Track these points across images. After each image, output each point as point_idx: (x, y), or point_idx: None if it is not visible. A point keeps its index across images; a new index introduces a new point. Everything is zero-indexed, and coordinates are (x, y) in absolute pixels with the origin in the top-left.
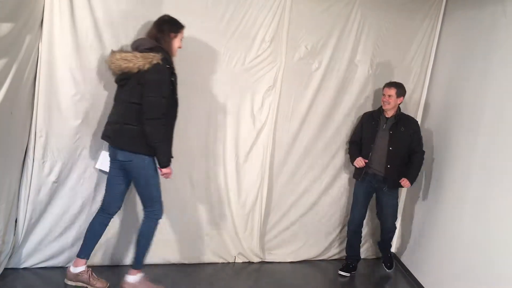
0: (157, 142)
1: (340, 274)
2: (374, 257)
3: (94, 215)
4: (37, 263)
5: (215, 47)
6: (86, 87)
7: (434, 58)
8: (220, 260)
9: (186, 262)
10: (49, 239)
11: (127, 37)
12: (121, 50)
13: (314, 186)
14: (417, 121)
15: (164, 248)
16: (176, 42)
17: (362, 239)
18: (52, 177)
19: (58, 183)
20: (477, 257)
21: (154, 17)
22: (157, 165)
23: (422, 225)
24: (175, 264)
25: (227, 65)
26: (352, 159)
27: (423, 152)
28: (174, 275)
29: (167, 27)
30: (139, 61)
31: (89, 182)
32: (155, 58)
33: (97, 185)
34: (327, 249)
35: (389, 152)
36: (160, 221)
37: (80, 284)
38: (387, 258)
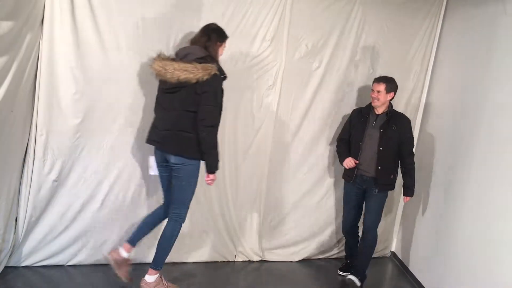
0: (211, 148)
1: (340, 274)
2: (373, 256)
3: (93, 213)
4: (38, 262)
5: None
6: (86, 86)
7: (435, 56)
8: (220, 259)
9: (186, 260)
10: (50, 237)
11: (127, 36)
12: (168, 58)
13: (316, 185)
14: (409, 119)
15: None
16: (220, 50)
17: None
18: (53, 176)
19: (59, 182)
20: (477, 257)
21: (154, 16)
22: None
23: (422, 224)
24: (175, 262)
25: (228, 64)
26: (341, 158)
27: (413, 155)
28: (174, 273)
29: (215, 36)
30: (199, 73)
31: (90, 181)
32: (213, 69)
33: (97, 184)
34: (328, 248)
35: (380, 152)
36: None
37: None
38: (358, 271)
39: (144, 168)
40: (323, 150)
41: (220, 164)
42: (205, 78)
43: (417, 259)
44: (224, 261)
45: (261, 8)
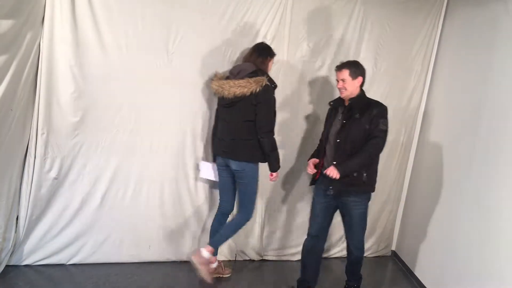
0: (271, 151)
1: None
2: (374, 255)
3: (93, 210)
4: (39, 260)
5: (217, 45)
6: (85, 85)
7: (436, 56)
8: (221, 258)
9: (187, 259)
10: (50, 235)
11: (127, 35)
12: (227, 77)
13: None
14: (382, 105)
15: (165, 246)
16: (270, 65)
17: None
18: (53, 174)
19: (59, 180)
20: (478, 256)
21: (154, 15)
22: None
23: (423, 224)
24: (175, 261)
25: (229, 63)
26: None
27: (383, 138)
28: (174, 272)
29: (266, 53)
30: (252, 86)
31: (89, 178)
32: (264, 81)
33: (96, 181)
34: (329, 247)
35: (336, 145)
36: (162, 218)
37: (215, 275)
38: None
39: (145, 167)
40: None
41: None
42: (258, 90)
43: (418, 258)
44: (225, 260)
45: (262, 7)
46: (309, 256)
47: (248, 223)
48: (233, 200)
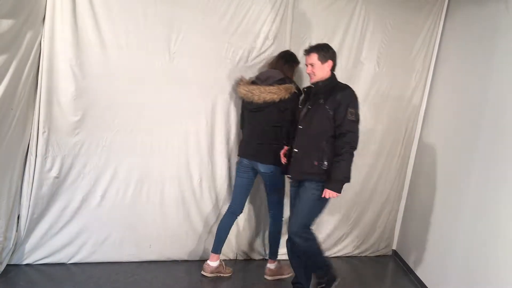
0: None
1: None
2: (374, 255)
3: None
4: (40, 259)
5: (218, 44)
6: (86, 84)
7: (437, 55)
8: (222, 257)
9: (187, 258)
10: (51, 234)
11: (128, 34)
12: (253, 81)
13: None
14: (347, 88)
15: (167, 245)
16: (295, 72)
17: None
18: (54, 173)
19: (60, 179)
20: (479, 255)
21: (155, 14)
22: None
23: (424, 223)
24: (176, 260)
25: (231, 62)
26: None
27: (348, 135)
28: (175, 271)
29: (292, 60)
30: (282, 93)
31: (89, 177)
32: (292, 88)
33: (96, 180)
34: (330, 246)
35: (299, 131)
36: (163, 217)
37: (215, 274)
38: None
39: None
40: None
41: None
42: (286, 96)
43: (419, 258)
44: (225, 260)
45: (263, 6)
46: (293, 254)
47: (250, 223)
48: (244, 202)
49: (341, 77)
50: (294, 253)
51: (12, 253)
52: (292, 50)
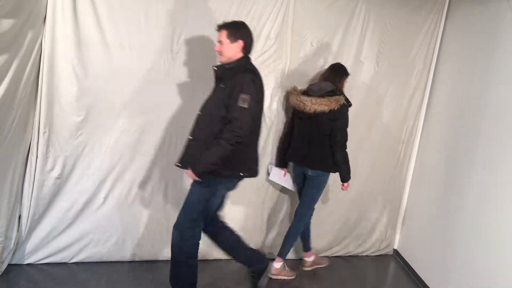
0: (343, 163)
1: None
2: (375, 254)
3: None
4: (41, 259)
5: None
6: (88, 84)
7: (438, 54)
8: (224, 257)
9: None
10: (53, 235)
11: (130, 34)
12: (304, 92)
13: None
14: (249, 75)
15: (169, 244)
16: (344, 84)
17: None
18: (55, 173)
19: (62, 179)
20: (480, 255)
21: (157, 13)
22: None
23: (425, 222)
24: None
25: None
26: None
27: (236, 125)
28: None
29: (342, 72)
30: (332, 104)
31: (93, 178)
32: (342, 100)
33: (100, 181)
34: (331, 245)
35: (197, 118)
36: (165, 218)
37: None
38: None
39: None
40: None
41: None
42: (336, 108)
43: (420, 257)
44: (227, 259)
45: (265, 5)
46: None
47: (251, 223)
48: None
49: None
50: (225, 238)
51: (14, 252)
52: (294, 50)
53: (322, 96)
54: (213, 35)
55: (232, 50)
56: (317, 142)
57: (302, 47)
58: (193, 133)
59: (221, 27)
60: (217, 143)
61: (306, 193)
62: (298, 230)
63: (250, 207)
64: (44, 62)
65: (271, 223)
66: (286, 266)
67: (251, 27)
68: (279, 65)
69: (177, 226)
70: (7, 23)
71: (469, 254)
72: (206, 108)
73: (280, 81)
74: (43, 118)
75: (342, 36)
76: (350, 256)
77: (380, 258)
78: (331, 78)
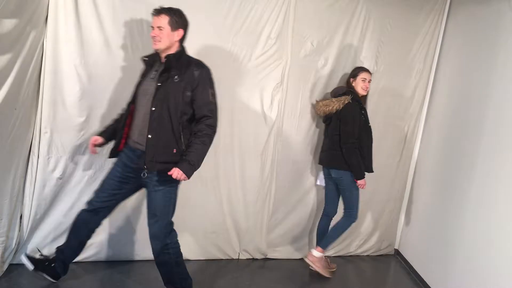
0: (351, 160)
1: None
2: (376, 254)
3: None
4: None
5: (222, 44)
6: (90, 84)
7: (439, 54)
8: (225, 257)
9: (191, 258)
10: (54, 235)
11: (132, 34)
12: (324, 99)
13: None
14: (204, 65)
15: None
16: (359, 83)
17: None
18: (57, 173)
19: (63, 180)
20: (481, 255)
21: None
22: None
23: (427, 222)
24: None
25: (234, 62)
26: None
27: (211, 118)
28: None
29: (352, 74)
30: (335, 104)
31: (94, 178)
32: (346, 99)
33: (99, 182)
34: (333, 245)
35: (151, 113)
36: None
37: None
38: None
39: None
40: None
41: (363, 171)
42: (341, 107)
43: (421, 257)
44: (228, 259)
45: (266, 5)
46: (80, 228)
47: (257, 222)
48: (336, 205)
49: (341, 76)
50: (86, 228)
51: (15, 252)
52: (295, 49)
53: (329, 98)
54: (213, 36)
55: (172, 39)
56: (332, 142)
57: (303, 47)
58: (151, 131)
59: (161, 12)
60: (201, 141)
61: (342, 195)
62: (345, 227)
63: (250, 207)
64: (46, 62)
65: (272, 223)
66: (327, 260)
67: (252, 27)
68: (280, 65)
69: (155, 238)
70: (10, 23)
71: (470, 254)
72: (161, 103)
73: (282, 81)
74: (45, 118)
75: (342, 36)
76: (351, 255)
77: (381, 258)
78: (346, 80)
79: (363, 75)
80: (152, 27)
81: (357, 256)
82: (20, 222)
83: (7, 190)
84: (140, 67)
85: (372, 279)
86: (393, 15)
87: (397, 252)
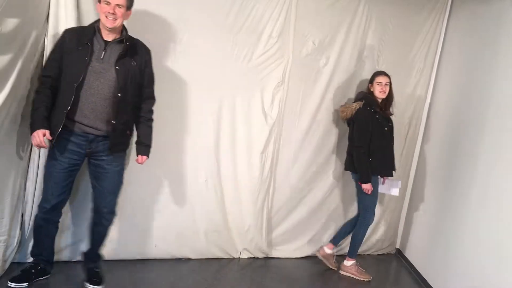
0: (358, 164)
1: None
2: (378, 253)
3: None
4: None
5: (223, 43)
6: None
7: (441, 52)
8: (226, 256)
9: (192, 257)
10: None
11: (133, 34)
12: (345, 104)
13: (322, 183)
14: (149, 49)
15: (172, 244)
16: (376, 87)
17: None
18: None
19: None
20: (483, 254)
21: (160, 13)
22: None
23: (428, 222)
24: (180, 259)
25: (235, 61)
26: (34, 121)
27: (155, 100)
28: (180, 270)
29: (371, 78)
30: (348, 111)
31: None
32: (357, 105)
33: None
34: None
35: (117, 100)
36: (169, 216)
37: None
38: (93, 273)
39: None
40: (332, 147)
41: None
42: (353, 112)
43: (423, 257)
44: (229, 258)
45: (267, 4)
46: (48, 229)
47: (258, 221)
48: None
49: (344, 75)
50: (51, 228)
51: (16, 251)
52: (296, 49)
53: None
54: (214, 35)
55: (124, 19)
56: (349, 146)
57: (304, 46)
58: (116, 117)
59: None
60: (150, 125)
61: (357, 198)
62: (360, 231)
63: (250, 206)
64: None
65: (273, 222)
66: (358, 266)
67: (253, 26)
68: (281, 64)
69: (112, 213)
70: (11, 23)
71: (471, 253)
72: (125, 89)
73: (283, 80)
74: None
75: (344, 35)
76: None
77: (383, 258)
78: (367, 85)
79: (378, 79)
80: (108, 2)
81: (359, 255)
82: (22, 220)
83: (8, 189)
84: None
85: (374, 278)
86: (395, 14)
87: (398, 252)
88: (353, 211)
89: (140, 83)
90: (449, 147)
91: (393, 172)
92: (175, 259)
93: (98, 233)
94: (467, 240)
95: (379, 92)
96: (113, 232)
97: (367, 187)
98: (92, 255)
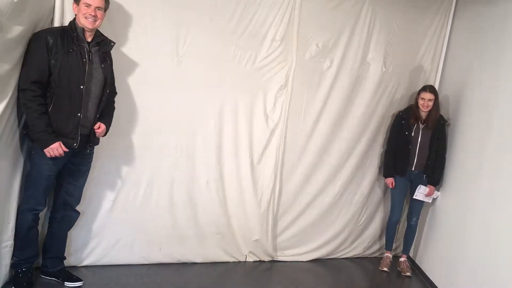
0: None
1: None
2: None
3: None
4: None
5: (226, 46)
6: None
7: (445, 55)
8: (231, 259)
9: (197, 261)
10: None
11: (136, 36)
12: None
13: (329, 186)
14: (113, 41)
15: (176, 247)
16: (419, 101)
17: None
18: None
19: None
20: (490, 257)
21: (163, 16)
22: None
23: (435, 224)
24: (186, 263)
25: (238, 64)
26: (40, 131)
27: (116, 94)
28: (185, 274)
29: (418, 90)
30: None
31: (99, 181)
32: (397, 111)
33: (107, 184)
34: (339, 248)
35: (103, 97)
36: (173, 220)
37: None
38: (67, 271)
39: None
40: (337, 150)
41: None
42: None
43: (430, 259)
44: (235, 261)
45: (270, 8)
46: (36, 233)
47: (263, 225)
48: (401, 209)
49: (349, 78)
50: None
51: None
52: (300, 52)
53: None
54: (217, 38)
55: (102, 20)
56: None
57: (308, 49)
58: (100, 114)
59: None
60: (113, 113)
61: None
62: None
63: (255, 209)
64: None
65: (280, 225)
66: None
67: (256, 30)
68: (284, 67)
69: (76, 208)
70: (16, 30)
71: (479, 256)
72: (109, 86)
73: (286, 83)
74: None
75: (348, 38)
76: (359, 257)
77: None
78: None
79: (421, 95)
80: (89, 4)
81: (365, 257)
82: None
83: (14, 194)
84: (144, 69)
85: (380, 280)
86: (399, 16)
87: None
88: (361, 213)
89: (113, 78)
90: (455, 148)
91: (408, 173)
92: (181, 263)
93: (67, 227)
94: (474, 241)
95: (421, 106)
96: (118, 237)
97: (386, 181)
98: (61, 255)
